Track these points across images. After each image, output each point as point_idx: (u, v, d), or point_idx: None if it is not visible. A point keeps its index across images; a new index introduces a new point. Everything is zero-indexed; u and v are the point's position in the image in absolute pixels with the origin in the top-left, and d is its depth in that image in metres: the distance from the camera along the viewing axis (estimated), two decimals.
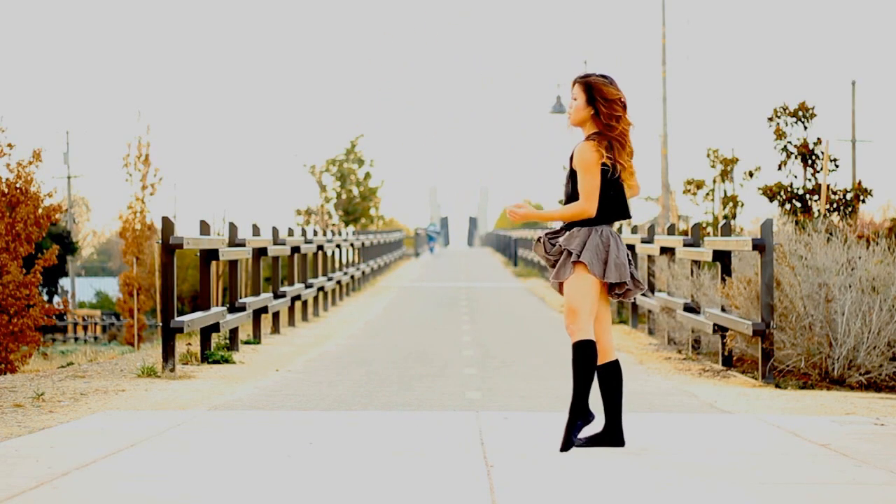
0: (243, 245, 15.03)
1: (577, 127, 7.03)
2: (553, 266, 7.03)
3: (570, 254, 6.93)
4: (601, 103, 6.90)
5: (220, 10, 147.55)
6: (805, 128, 18.46)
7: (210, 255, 13.44)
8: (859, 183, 18.16)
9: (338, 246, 26.36)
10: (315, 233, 23.87)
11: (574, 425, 6.90)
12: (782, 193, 18.18)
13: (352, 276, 28.35)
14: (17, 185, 19.34)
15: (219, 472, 6.42)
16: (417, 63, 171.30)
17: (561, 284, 7.03)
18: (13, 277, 18.60)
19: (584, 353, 6.86)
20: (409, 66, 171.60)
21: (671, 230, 16.25)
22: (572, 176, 6.96)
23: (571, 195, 6.98)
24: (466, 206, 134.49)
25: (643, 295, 16.54)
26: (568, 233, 6.99)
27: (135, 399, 9.80)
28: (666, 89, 30.91)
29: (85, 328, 44.66)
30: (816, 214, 17.42)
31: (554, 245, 7.03)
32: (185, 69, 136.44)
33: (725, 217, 22.91)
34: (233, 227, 14.89)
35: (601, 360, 7.06)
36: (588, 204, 6.87)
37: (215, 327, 13.03)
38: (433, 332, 17.69)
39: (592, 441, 7.12)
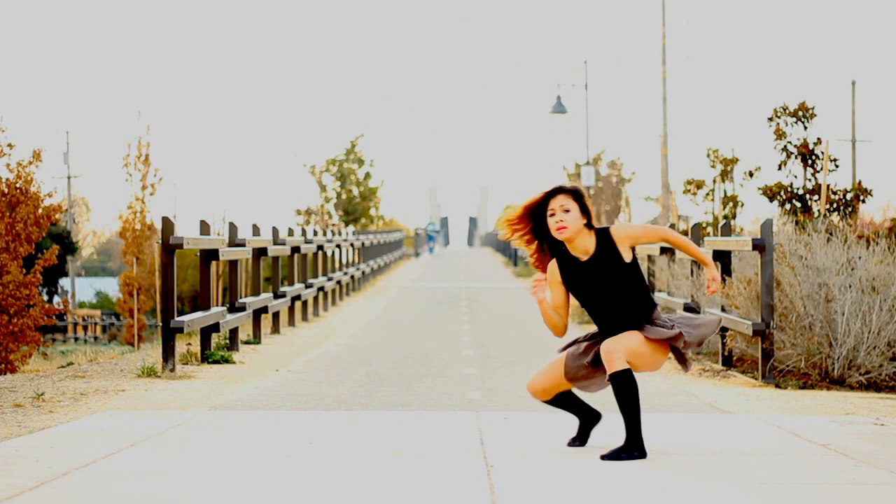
0: (243, 245, 15.03)
1: (571, 239, 6.91)
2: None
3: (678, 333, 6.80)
4: (589, 209, 6.96)
5: (220, 10, 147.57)
6: (805, 128, 18.46)
7: (210, 255, 13.44)
8: (859, 183, 18.16)
9: (338, 246, 26.36)
10: (315, 233, 23.87)
11: (630, 454, 6.74)
12: (782, 193, 18.18)
13: (352, 276, 28.35)
14: (17, 185, 19.33)
15: (219, 472, 6.42)
16: (417, 63, 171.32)
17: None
18: (13, 277, 18.60)
19: (625, 381, 6.70)
20: (409, 66, 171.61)
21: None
22: (625, 267, 6.82)
23: (628, 283, 6.81)
24: (466, 206, 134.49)
25: None
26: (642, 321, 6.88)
27: (135, 399, 9.80)
28: (666, 89, 30.94)
29: (85, 328, 44.66)
30: (816, 214, 17.42)
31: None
32: (185, 69, 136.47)
33: (725, 217, 22.91)
34: (233, 227, 14.89)
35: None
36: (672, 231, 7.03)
37: (215, 327, 13.03)
38: (433, 332, 17.69)
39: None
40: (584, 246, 6.88)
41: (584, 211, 6.90)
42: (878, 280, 11.79)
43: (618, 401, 6.72)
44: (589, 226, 6.90)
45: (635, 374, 6.93)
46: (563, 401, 7.17)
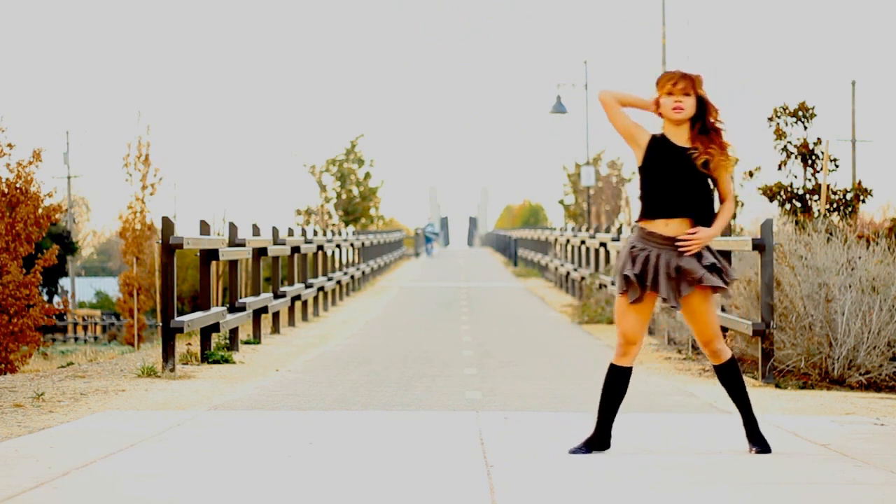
0: (243, 245, 15.03)
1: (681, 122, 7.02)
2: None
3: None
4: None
5: (221, 10, 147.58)
6: (805, 128, 18.44)
7: (210, 255, 13.43)
8: (859, 183, 18.15)
9: (338, 246, 26.36)
10: (315, 233, 23.88)
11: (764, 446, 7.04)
12: (782, 193, 18.17)
13: (352, 276, 28.35)
14: (17, 185, 19.33)
15: (219, 472, 6.42)
16: (417, 63, 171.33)
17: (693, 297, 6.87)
18: (13, 277, 18.60)
19: (734, 369, 6.97)
20: (409, 66, 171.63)
21: None
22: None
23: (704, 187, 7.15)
24: (466, 206, 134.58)
25: None
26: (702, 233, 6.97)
27: (135, 399, 9.80)
28: None
29: (85, 328, 44.65)
30: (816, 214, 17.42)
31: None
32: (185, 69, 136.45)
33: None
34: (233, 227, 14.89)
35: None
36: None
37: (215, 327, 13.03)
38: (433, 332, 17.69)
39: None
40: (683, 137, 7.02)
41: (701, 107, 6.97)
42: (878, 280, 11.78)
43: (728, 390, 6.97)
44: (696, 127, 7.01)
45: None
46: (616, 397, 7.00)
